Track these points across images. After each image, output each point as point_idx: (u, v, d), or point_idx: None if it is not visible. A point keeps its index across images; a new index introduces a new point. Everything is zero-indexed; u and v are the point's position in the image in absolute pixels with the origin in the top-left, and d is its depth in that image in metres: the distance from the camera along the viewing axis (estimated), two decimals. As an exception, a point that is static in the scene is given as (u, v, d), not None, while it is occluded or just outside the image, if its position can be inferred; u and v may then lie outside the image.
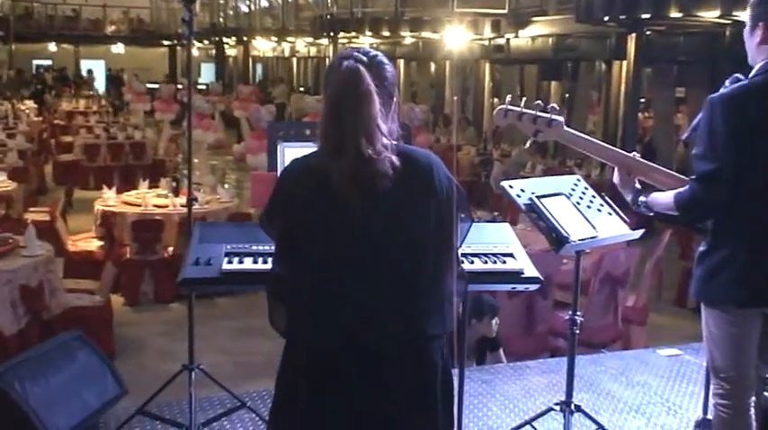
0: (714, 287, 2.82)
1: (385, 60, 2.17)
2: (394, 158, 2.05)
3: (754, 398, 2.91)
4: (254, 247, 2.94)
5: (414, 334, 2.10)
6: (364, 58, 2.10)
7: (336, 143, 2.05)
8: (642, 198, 2.97)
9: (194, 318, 4.01)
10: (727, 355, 2.85)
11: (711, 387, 2.95)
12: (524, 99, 3.13)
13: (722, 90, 2.79)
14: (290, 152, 3.16)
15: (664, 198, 2.90)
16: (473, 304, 4.58)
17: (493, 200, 10.38)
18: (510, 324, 5.36)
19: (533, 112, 3.04)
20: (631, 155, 3.11)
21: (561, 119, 3.06)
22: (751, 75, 2.80)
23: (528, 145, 3.22)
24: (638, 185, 3.04)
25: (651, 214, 2.98)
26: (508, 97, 3.15)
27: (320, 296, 2.09)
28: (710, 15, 9.75)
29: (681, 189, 2.83)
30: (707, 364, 3.00)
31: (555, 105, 3.09)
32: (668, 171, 3.04)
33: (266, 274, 2.36)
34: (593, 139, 3.19)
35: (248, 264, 2.88)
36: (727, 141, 2.67)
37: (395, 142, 2.13)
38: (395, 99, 2.18)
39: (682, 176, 2.95)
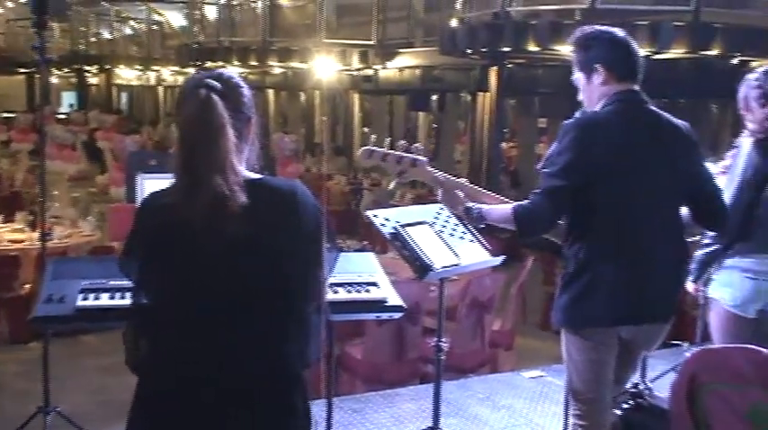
0: (579, 312, 2.87)
1: (241, 83, 2.12)
2: (242, 196, 1.97)
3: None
4: (112, 282, 2.85)
5: (277, 369, 2.06)
6: (218, 85, 2.03)
7: (189, 179, 1.97)
8: (476, 207, 2.98)
9: (56, 357, 3.85)
10: (586, 379, 2.92)
11: (570, 408, 3.04)
12: (389, 139, 3.18)
13: (576, 116, 2.91)
14: (150, 183, 3.09)
15: (500, 210, 2.94)
16: None
17: (363, 229, 10.43)
18: (380, 351, 5.38)
19: (397, 153, 3.08)
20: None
21: (425, 159, 3.09)
22: (601, 105, 2.93)
23: (393, 185, 3.26)
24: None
25: (482, 226, 3.03)
26: (372, 137, 3.20)
27: (180, 328, 2.03)
28: (566, 50, 10.21)
29: (521, 202, 2.89)
30: (566, 387, 3.09)
31: (419, 145, 3.14)
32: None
33: (125, 309, 2.28)
34: (453, 178, 3.23)
35: (105, 299, 2.80)
36: (575, 164, 2.76)
37: (256, 173, 2.10)
38: (253, 121, 2.13)
39: None
